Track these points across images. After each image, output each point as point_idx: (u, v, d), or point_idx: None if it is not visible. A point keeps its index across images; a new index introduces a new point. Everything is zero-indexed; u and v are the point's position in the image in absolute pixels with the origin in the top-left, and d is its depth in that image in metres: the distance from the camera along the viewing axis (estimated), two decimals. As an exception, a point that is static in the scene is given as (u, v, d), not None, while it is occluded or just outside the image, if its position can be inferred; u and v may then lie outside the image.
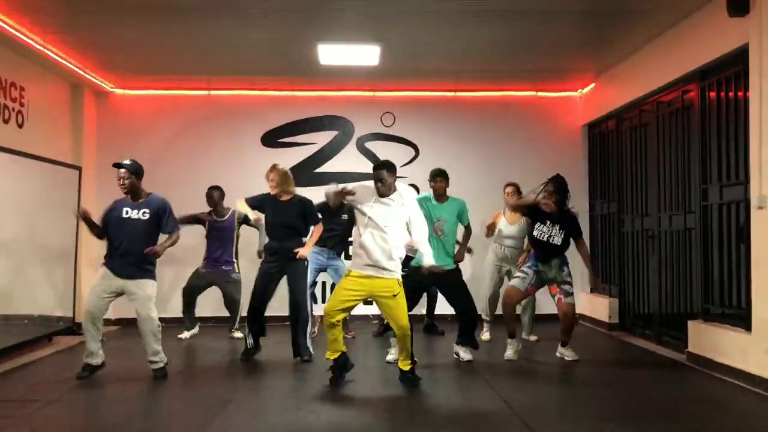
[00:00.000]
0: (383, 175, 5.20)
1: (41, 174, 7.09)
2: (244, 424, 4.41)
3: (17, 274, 6.70)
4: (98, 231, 5.61)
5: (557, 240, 6.19)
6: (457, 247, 6.37)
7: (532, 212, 6.32)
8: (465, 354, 6.32)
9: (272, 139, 9.13)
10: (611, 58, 7.78)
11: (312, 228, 6.38)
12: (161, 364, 5.64)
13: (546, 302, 7.31)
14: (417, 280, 5.92)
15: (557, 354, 6.44)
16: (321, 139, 9.19)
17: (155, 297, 5.63)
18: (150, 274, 5.57)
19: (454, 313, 6.55)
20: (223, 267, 7.49)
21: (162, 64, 8.10)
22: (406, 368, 5.36)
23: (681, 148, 6.69)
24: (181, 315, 7.75)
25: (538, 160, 9.08)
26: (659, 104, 7.16)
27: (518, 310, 7.44)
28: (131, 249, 5.46)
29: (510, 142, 9.21)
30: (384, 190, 5.20)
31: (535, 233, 6.25)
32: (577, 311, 8.87)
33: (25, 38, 6.62)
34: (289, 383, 5.70)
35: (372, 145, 9.25)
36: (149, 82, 8.82)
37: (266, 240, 6.48)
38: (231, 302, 7.61)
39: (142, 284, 5.51)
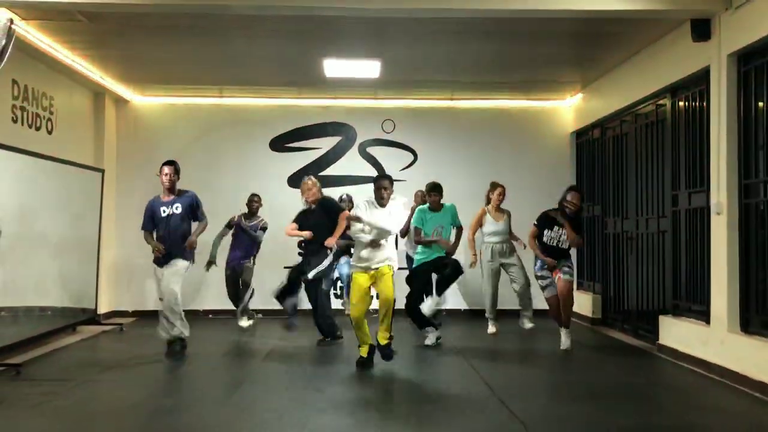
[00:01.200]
0: (387, 184, 6.00)
1: (68, 176, 7.70)
2: (258, 398, 5.05)
3: (45, 268, 7.32)
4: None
5: (565, 245, 6.93)
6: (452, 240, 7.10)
7: (541, 224, 6.99)
8: (431, 339, 7.06)
9: (279, 144, 9.76)
10: (595, 73, 8.41)
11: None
12: (173, 337, 6.39)
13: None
14: (423, 270, 6.91)
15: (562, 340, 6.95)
16: (325, 144, 9.81)
17: (183, 276, 6.40)
18: (184, 255, 6.34)
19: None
20: (241, 261, 8.17)
21: (178, 76, 8.77)
22: (384, 341, 6.01)
23: (656, 156, 7.28)
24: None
25: (529, 165, 9.75)
26: (637, 116, 7.76)
27: (509, 301, 8.10)
28: (170, 239, 6.34)
29: (502, 147, 9.81)
30: (386, 200, 5.97)
31: (545, 239, 6.93)
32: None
33: (56, 53, 7.25)
34: (298, 366, 6.31)
35: (373, 150, 9.87)
36: (166, 91, 9.46)
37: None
38: (243, 285, 8.25)
39: (174, 262, 6.32)
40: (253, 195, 8.37)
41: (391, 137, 9.88)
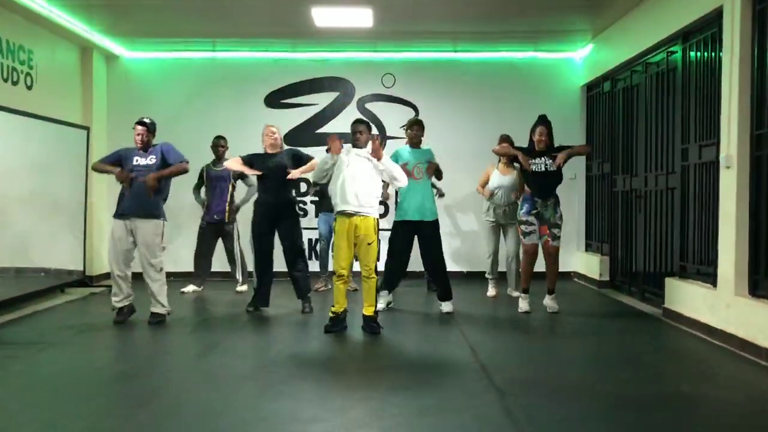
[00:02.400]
0: (362, 128, 5.81)
1: (51, 134, 7.45)
2: (226, 364, 4.79)
3: (31, 229, 7.13)
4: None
5: (552, 167, 6.51)
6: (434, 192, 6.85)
7: (524, 151, 6.64)
8: (446, 306, 6.66)
9: (275, 100, 9.38)
10: (605, 20, 7.84)
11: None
12: (124, 305, 6.15)
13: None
14: (404, 231, 6.53)
15: (544, 303, 6.73)
16: (322, 100, 9.40)
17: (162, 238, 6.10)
18: (156, 211, 6.00)
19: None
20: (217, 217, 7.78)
21: (168, 28, 8.33)
22: (369, 313, 5.72)
23: (666, 108, 6.79)
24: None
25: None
26: (648, 65, 7.23)
27: (503, 266, 7.74)
28: (141, 193, 5.90)
29: (509, 102, 9.30)
30: (360, 143, 5.73)
31: (533, 167, 6.53)
32: (572, 269, 9.23)
33: (34, 4, 6.92)
34: (277, 331, 6.05)
35: (372, 106, 9.44)
36: (157, 46, 9.09)
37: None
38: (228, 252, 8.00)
39: (148, 224, 5.97)
40: (218, 138, 7.88)
41: (391, 92, 9.44)
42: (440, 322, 6.33)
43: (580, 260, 9.14)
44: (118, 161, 6.07)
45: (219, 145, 7.93)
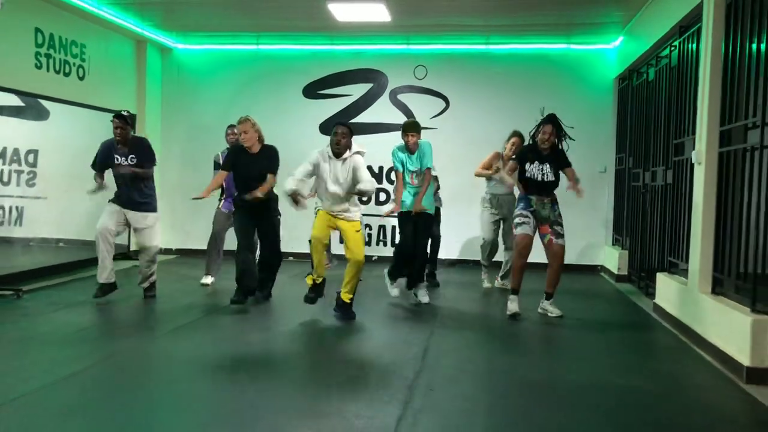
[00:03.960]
0: (344, 131, 5.77)
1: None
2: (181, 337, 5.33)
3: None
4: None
5: (550, 176, 6.16)
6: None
7: (520, 158, 6.32)
8: (423, 297, 6.69)
9: (313, 91, 9.87)
10: (631, 11, 7.74)
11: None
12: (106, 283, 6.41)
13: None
14: (409, 220, 6.56)
15: (539, 310, 6.25)
16: (357, 91, 9.79)
17: (158, 228, 6.60)
18: (149, 207, 6.43)
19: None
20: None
21: (216, 22, 8.97)
22: (347, 299, 5.87)
23: (666, 102, 6.70)
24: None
25: (570, 114, 9.03)
26: (658, 59, 7.14)
27: (503, 256, 7.71)
28: (128, 189, 6.31)
29: (541, 94, 9.20)
30: (342, 150, 5.74)
31: (527, 174, 6.18)
32: (597, 263, 9.18)
33: (78, 2, 7.73)
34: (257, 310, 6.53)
35: (404, 97, 9.74)
36: (207, 39, 9.80)
37: None
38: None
39: (145, 217, 6.41)
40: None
41: (423, 84, 9.69)
42: (415, 313, 6.32)
43: (606, 254, 9.09)
44: (103, 162, 6.32)
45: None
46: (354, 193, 5.74)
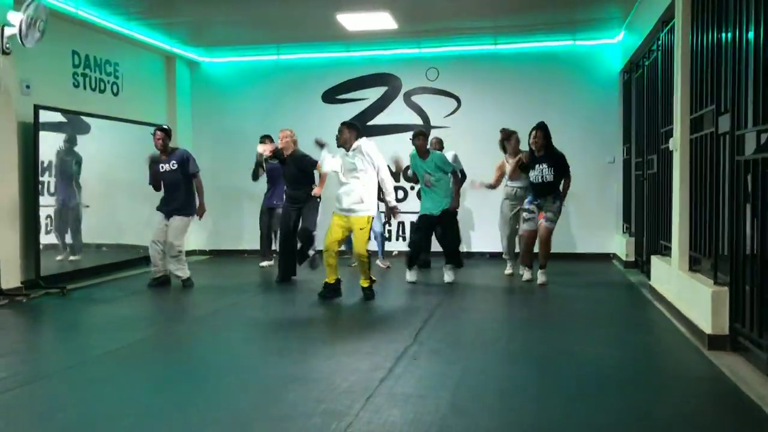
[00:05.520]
0: (341, 129, 6.53)
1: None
2: (232, 317, 5.93)
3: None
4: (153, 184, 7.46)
5: (549, 177, 7.16)
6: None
7: (524, 168, 7.37)
8: (448, 277, 7.47)
9: (331, 96, 10.43)
10: (628, 7, 8.08)
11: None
12: (162, 275, 7.43)
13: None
14: (425, 223, 7.47)
15: (538, 282, 7.31)
16: (372, 94, 10.32)
17: (185, 231, 7.39)
18: (182, 211, 7.29)
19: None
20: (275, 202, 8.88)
21: (238, 36, 9.65)
22: (366, 285, 6.59)
23: (658, 92, 7.03)
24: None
25: (578, 108, 9.58)
26: (650, 51, 7.46)
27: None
28: (169, 194, 7.30)
29: (549, 91, 9.70)
30: (341, 142, 6.46)
31: (531, 178, 7.28)
32: (610, 251, 9.51)
33: (109, 25, 8.44)
34: (282, 295, 7.10)
35: (417, 99, 10.23)
36: (231, 52, 10.48)
37: None
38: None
39: (174, 219, 7.28)
40: (263, 136, 8.87)
41: (435, 85, 10.16)
42: (425, 295, 6.98)
43: (617, 242, 9.41)
44: (155, 173, 7.39)
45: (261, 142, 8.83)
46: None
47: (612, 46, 9.54)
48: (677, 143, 5.55)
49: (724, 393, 3.77)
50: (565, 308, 6.26)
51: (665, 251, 6.58)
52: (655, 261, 6.56)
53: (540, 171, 7.12)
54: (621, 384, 3.94)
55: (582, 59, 9.69)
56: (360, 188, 6.41)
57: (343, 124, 6.64)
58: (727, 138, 4.43)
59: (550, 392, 3.77)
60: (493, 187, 7.93)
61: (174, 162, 7.26)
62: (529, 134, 7.29)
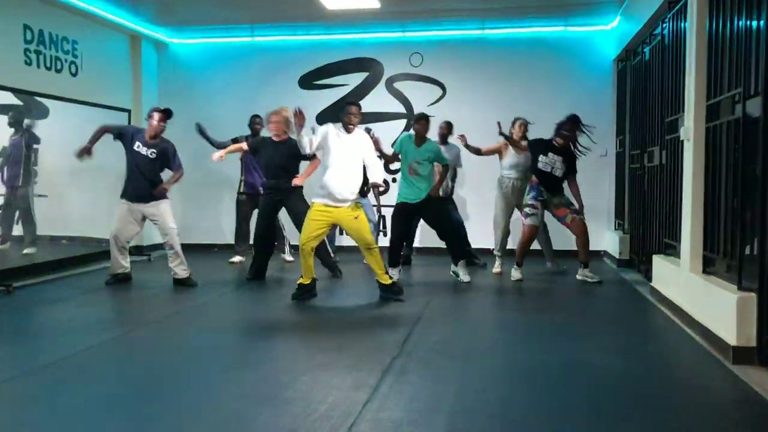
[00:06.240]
0: (356, 111, 5.91)
1: (97, 117, 8.27)
2: (196, 321, 5.31)
3: (80, 201, 8.04)
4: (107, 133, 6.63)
5: (559, 173, 6.77)
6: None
7: (535, 146, 6.88)
8: (464, 276, 6.90)
9: (309, 81, 9.80)
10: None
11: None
12: (121, 273, 6.82)
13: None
14: (404, 212, 6.80)
15: (578, 277, 6.96)
16: (353, 80, 9.71)
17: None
18: (160, 195, 6.65)
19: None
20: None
21: (209, 16, 8.94)
22: (387, 282, 5.92)
23: (664, 79, 6.54)
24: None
25: (569, 97, 9.03)
26: (652, 36, 6.98)
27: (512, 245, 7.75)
28: (138, 180, 6.56)
29: (539, 79, 9.19)
30: (353, 127, 5.86)
31: (539, 165, 6.82)
32: (600, 248, 9.05)
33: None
34: (252, 295, 6.51)
35: (400, 86, 9.64)
36: (201, 33, 9.78)
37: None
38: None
39: (157, 204, 6.63)
40: (254, 116, 8.29)
41: (419, 71, 9.59)
42: (413, 293, 6.45)
43: (608, 239, 8.94)
44: (119, 134, 6.61)
45: (255, 123, 8.34)
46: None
47: (606, 32, 9.05)
48: (690, 132, 5.04)
49: (764, 417, 3.27)
50: (562, 310, 5.75)
51: (669, 250, 6.09)
52: (658, 260, 6.07)
53: (552, 161, 6.75)
54: (642, 404, 3.41)
55: (574, 46, 9.19)
56: (359, 175, 5.84)
57: (353, 103, 6.08)
58: (760, 122, 3.90)
59: (563, 416, 3.23)
60: (474, 150, 7.49)
61: (154, 151, 6.58)
62: (561, 125, 6.88)
